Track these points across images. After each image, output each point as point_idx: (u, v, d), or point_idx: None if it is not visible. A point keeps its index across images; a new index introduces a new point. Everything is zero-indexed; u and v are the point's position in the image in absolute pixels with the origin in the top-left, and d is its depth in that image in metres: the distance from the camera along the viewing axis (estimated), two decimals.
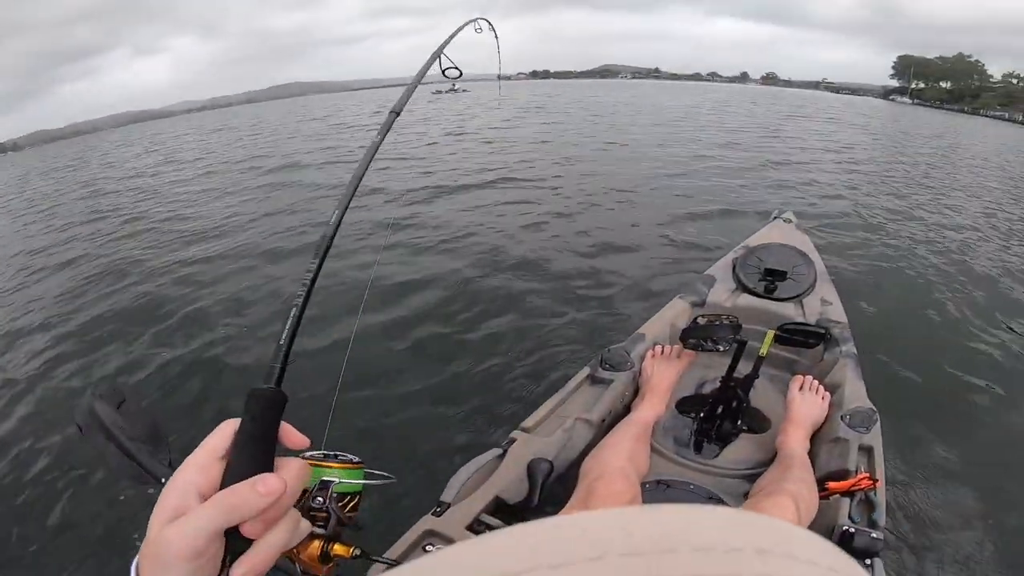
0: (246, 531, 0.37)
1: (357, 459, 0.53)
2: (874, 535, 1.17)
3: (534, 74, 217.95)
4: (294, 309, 0.51)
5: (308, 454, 0.48)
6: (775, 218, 2.76)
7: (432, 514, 1.22)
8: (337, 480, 0.50)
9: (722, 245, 4.06)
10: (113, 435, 0.80)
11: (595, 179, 7.73)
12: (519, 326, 3.32)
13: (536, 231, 5.28)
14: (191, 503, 0.37)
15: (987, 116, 59.06)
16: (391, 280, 4.00)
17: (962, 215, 6.42)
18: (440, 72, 0.99)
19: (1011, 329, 3.40)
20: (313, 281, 0.54)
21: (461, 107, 24.25)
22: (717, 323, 1.68)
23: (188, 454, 0.40)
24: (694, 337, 1.69)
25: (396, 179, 7.88)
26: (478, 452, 1.42)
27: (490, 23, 1.30)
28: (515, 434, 1.49)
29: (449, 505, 1.25)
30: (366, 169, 0.68)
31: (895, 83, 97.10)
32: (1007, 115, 59.91)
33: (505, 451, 1.42)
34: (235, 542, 0.37)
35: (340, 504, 0.51)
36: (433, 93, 43.53)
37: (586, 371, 1.75)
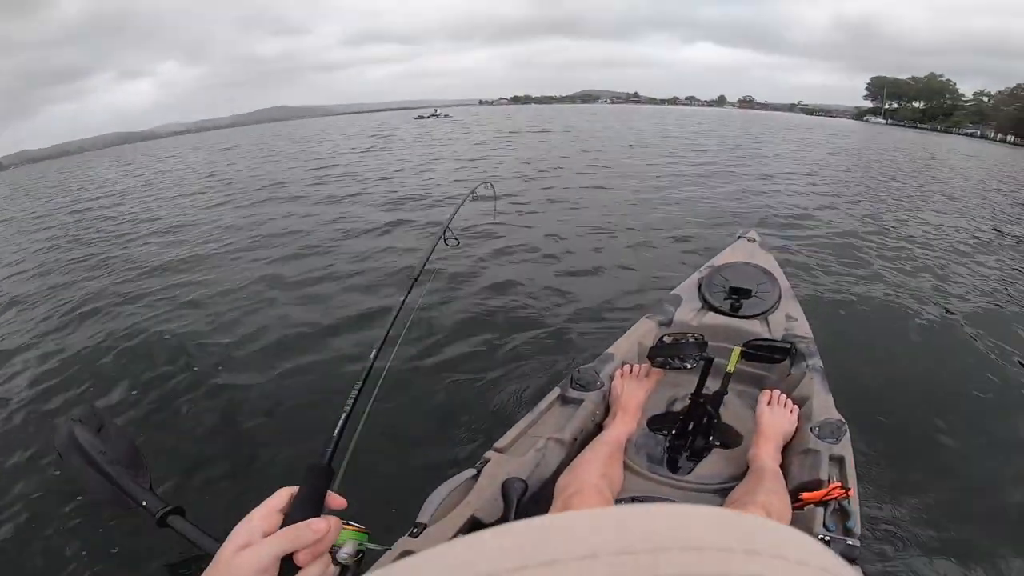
0: (299, 559, 0.50)
1: (362, 527, 0.65)
2: (850, 542, 1.19)
3: (515, 99, 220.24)
4: (347, 405, 0.75)
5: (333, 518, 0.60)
6: (739, 237, 2.82)
7: (409, 535, 1.23)
8: (360, 543, 0.62)
9: (689, 264, 4.16)
10: (93, 459, 0.81)
11: (564, 203, 7.87)
12: (486, 347, 3.33)
13: (505, 253, 5.32)
14: (256, 539, 0.50)
15: (960, 134, 60.62)
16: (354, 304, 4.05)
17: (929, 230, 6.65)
18: (443, 243, 1.44)
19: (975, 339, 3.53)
20: (357, 398, 0.78)
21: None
22: (683, 341, 1.73)
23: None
24: (661, 355, 1.74)
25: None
26: (451, 473, 1.43)
27: (492, 185, 1.81)
28: (488, 454, 1.50)
29: (425, 526, 1.25)
30: (396, 316, 0.96)
31: (869, 104, 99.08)
32: (979, 132, 61.58)
33: (479, 471, 1.43)
34: (287, 569, 0.50)
35: (354, 556, 0.62)
36: (415, 119, 44.13)
37: (557, 391, 1.78)
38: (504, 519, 1.31)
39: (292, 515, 0.54)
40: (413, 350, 3.28)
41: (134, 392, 3.11)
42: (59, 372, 3.44)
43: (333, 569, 0.55)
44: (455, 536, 1.21)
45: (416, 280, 1.12)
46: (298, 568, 0.51)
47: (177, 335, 3.78)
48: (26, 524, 2.13)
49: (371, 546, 0.64)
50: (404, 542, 1.20)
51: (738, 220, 6.32)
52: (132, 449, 0.85)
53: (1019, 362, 3.24)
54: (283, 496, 0.56)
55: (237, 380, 3.14)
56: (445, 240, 1.45)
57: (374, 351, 0.83)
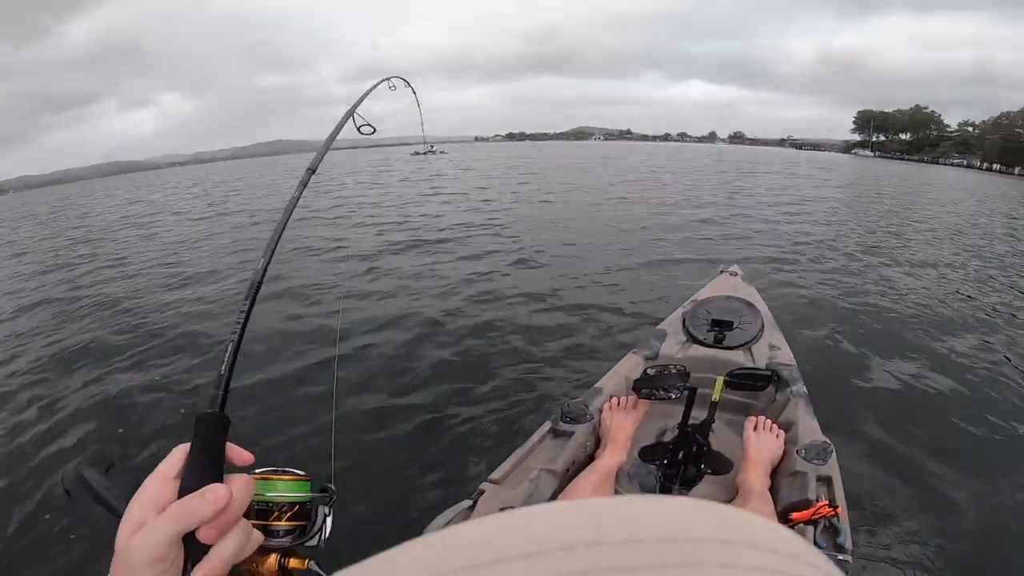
0: (201, 536, 0.42)
1: (302, 472, 0.57)
2: (841, 558, 1.22)
3: (510, 136, 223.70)
4: (230, 344, 0.59)
5: (257, 471, 0.53)
6: (722, 272, 2.90)
7: None
8: (295, 494, 0.55)
9: (672, 298, 4.25)
10: (102, 498, 0.81)
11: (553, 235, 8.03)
12: (477, 383, 3.39)
13: (491, 291, 5.39)
14: (150, 516, 0.42)
15: (946, 164, 61.78)
16: (352, 337, 4.08)
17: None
18: (356, 129, 1.03)
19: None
20: (246, 318, 0.62)
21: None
22: (666, 372, 1.76)
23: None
24: (645, 387, 1.77)
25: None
26: (447, 505, 1.44)
27: (406, 81, 1.30)
28: (483, 486, 1.52)
29: None
30: (288, 218, 0.75)
31: (857, 137, 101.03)
32: (965, 162, 62.79)
33: (475, 503, 1.45)
34: (194, 549, 0.42)
35: (288, 513, 0.55)
36: (412, 155, 44.51)
37: (548, 425, 1.81)
38: None
39: (185, 484, 0.44)
40: (392, 391, 3.35)
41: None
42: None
43: (258, 536, 0.47)
44: None
45: (305, 187, 0.84)
46: (207, 546, 0.43)
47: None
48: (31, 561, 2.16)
49: (320, 495, 0.57)
50: None
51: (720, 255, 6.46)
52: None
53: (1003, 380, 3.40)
54: (177, 458, 0.46)
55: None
56: (358, 128, 1.06)
57: (260, 265, 0.68)
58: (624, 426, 1.76)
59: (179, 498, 0.44)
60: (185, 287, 6.16)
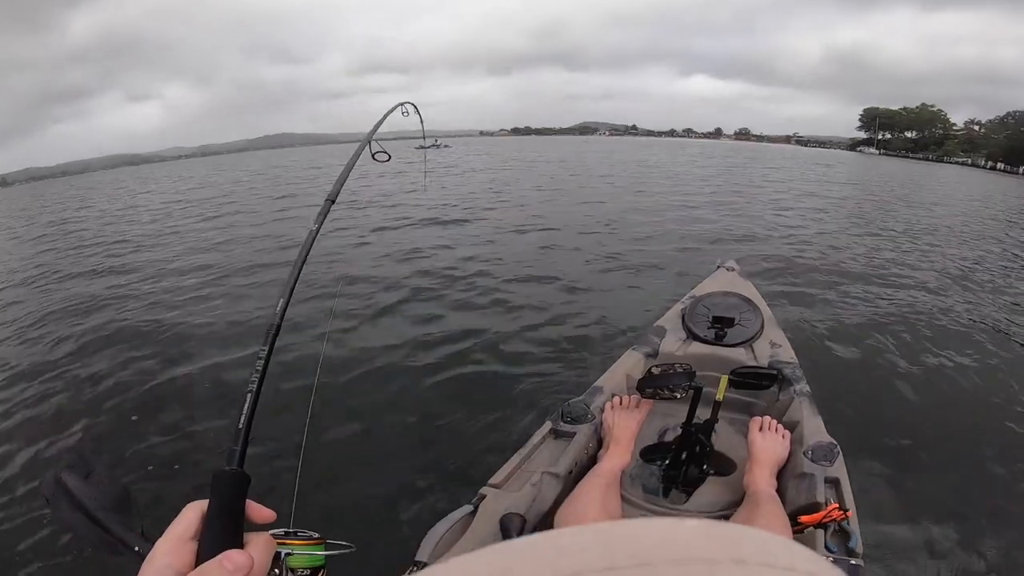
0: None
1: (317, 535, 0.55)
2: (853, 562, 1.20)
3: (516, 131, 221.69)
4: (249, 395, 0.55)
5: (271, 532, 0.50)
6: (719, 267, 2.86)
7: (408, 574, 1.22)
8: (289, 552, 0.52)
9: (669, 293, 4.28)
10: (83, 505, 0.79)
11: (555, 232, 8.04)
12: (473, 383, 3.39)
13: (488, 290, 5.38)
14: None
15: (951, 163, 61.46)
16: (344, 343, 4.04)
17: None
18: (371, 156, 1.04)
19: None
20: (265, 367, 0.59)
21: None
22: (671, 371, 1.74)
23: (163, 524, 0.45)
24: (650, 386, 1.75)
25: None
26: (447, 510, 1.42)
27: (415, 106, 1.40)
28: (484, 490, 1.50)
29: (425, 564, 1.24)
30: (306, 256, 0.72)
31: (862, 135, 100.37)
32: (969, 160, 62.46)
33: (476, 507, 1.42)
34: None
35: None
36: (416, 148, 44.35)
37: (548, 425, 1.78)
38: None
39: (203, 547, 0.43)
40: (382, 383, 3.36)
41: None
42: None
43: None
44: None
45: (328, 211, 0.84)
46: None
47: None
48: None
49: (331, 553, 0.55)
50: None
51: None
52: (122, 493, 0.83)
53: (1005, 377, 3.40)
54: (192, 517, 0.44)
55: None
56: (373, 155, 1.09)
57: (279, 306, 0.65)
58: (628, 426, 1.74)
59: (198, 560, 0.42)
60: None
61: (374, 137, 1.06)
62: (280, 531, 0.54)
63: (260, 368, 0.58)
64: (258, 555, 0.43)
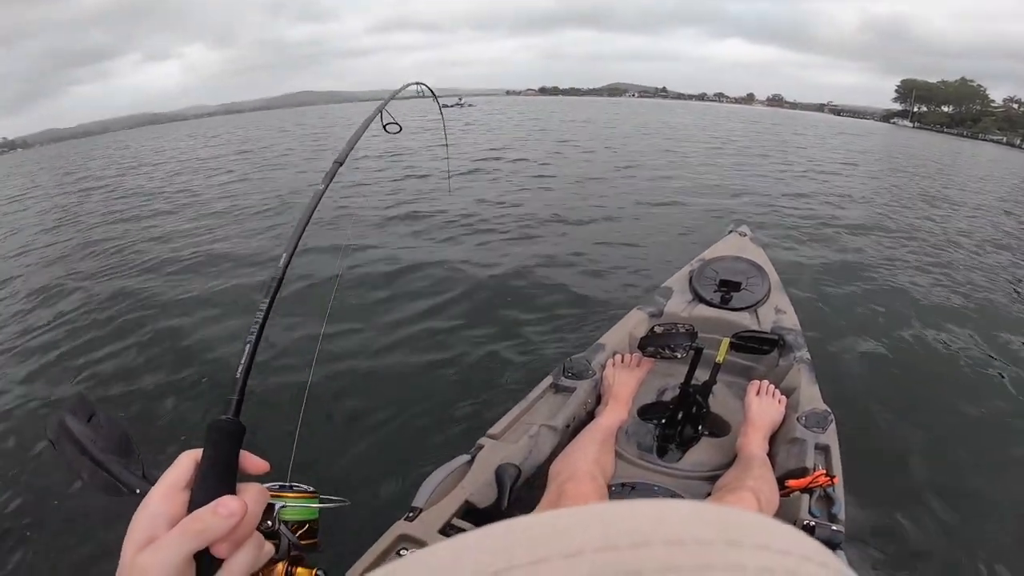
0: (216, 551, 0.40)
1: (311, 488, 0.55)
2: (834, 528, 1.21)
3: (543, 91, 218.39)
4: (248, 345, 0.56)
5: (266, 485, 0.50)
6: (730, 232, 2.85)
7: (404, 519, 1.25)
8: (283, 504, 0.52)
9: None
10: (85, 448, 0.81)
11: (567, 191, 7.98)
12: (479, 337, 3.39)
13: (497, 244, 5.40)
14: (160, 531, 0.40)
15: (985, 140, 59.22)
16: (352, 293, 4.07)
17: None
18: (382, 127, 1.05)
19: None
20: (265, 319, 0.59)
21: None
22: (673, 331, 1.76)
23: (161, 467, 0.46)
24: (652, 345, 1.77)
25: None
26: (446, 459, 1.45)
27: (430, 88, 1.45)
28: (482, 441, 1.53)
29: (421, 510, 1.27)
30: (312, 214, 0.73)
31: (898, 106, 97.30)
32: (1004, 139, 60.10)
33: (473, 457, 1.46)
34: (206, 564, 0.40)
35: (298, 532, 0.53)
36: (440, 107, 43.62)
37: (549, 380, 1.81)
38: (498, 504, 1.35)
39: (196, 495, 0.43)
40: (387, 332, 3.38)
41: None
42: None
43: (270, 547, 0.46)
44: (450, 520, 1.28)
45: (333, 175, 0.83)
46: (220, 560, 0.41)
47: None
48: (21, 514, 2.20)
49: (325, 506, 0.55)
50: (400, 526, 1.22)
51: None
52: (124, 436, 0.85)
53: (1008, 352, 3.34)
54: (186, 465, 0.44)
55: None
56: (384, 126, 1.11)
57: (281, 260, 0.65)
58: (627, 384, 1.76)
59: (190, 509, 0.42)
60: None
61: (385, 107, 1.07)
62: (275, 484, 0.54)
63: (260, 320, 0.58)
64: (251, 504, 0.43)
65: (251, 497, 0.44)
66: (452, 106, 44.38)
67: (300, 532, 0.53)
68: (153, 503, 0.41)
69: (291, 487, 0.54)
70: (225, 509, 0.40)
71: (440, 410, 2.62)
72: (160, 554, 0.38)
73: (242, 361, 0.55)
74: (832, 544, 1.18)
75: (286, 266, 0.66)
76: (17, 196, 12.86)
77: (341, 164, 0.85)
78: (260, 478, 0.49)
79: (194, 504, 0.42)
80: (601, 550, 0.14)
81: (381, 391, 2.82)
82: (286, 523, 0.52)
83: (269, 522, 0.50)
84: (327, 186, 0.79)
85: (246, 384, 0.54)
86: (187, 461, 0.45)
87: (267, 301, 0.61)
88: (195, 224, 6.99)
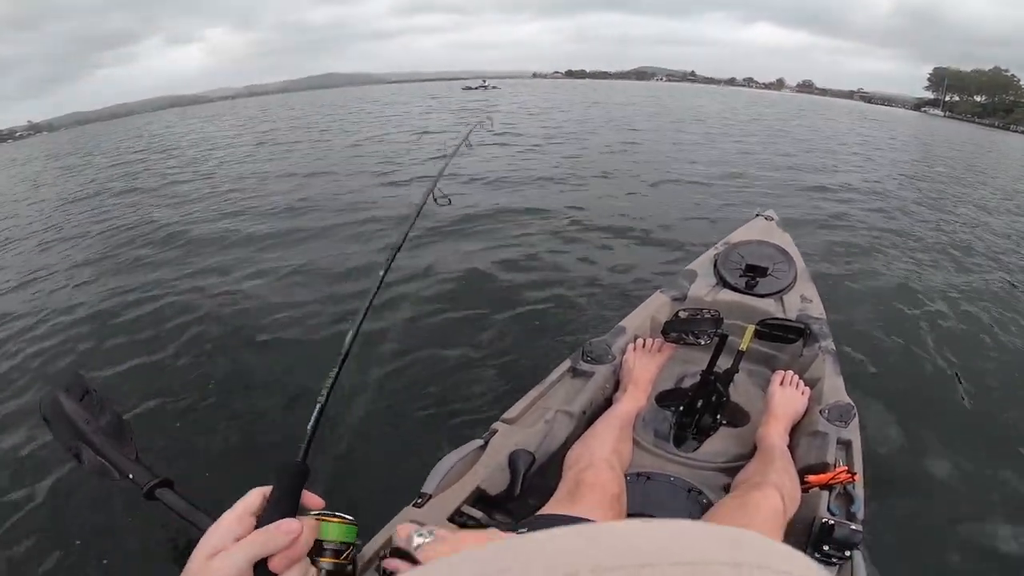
0: (272, 565, 0.48)
1: (351, 517, 0.60)
2: (853, 527, 1.17)
3: (569, 73, 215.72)
4: (318, 404, 0.67)
5: (314, 512, 0.57)
6: (757, 216, 2.77)
7: (413, 505, 1.22)
8: (326, 520, 0.57)
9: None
10: (79, 428, 0.80)
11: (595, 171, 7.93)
12: (499, 318, 3.33)
13: (521, 228, 5.30)
14: (228, 544, 0.48)
15: (1018, 131, 57.33)
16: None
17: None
18: (434, 201, 1.22)
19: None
20: (332, 385, 0.71)
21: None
22: (699, 316, 1.72)
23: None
24: (676, 330, 1.73)
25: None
26: (459, 444, 1.42)
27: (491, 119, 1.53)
28: (496, 425, 1.48)
29: (430, 496, 1.24)
30: (372, 302, 0.86)
31: (930, 95, 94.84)
32: None
33: (486, 442, 1.41)
34: (261, 574, 0.48)
35: (340, 554, 0.57)
36: (463, 89, 43.81)
37: (567, 363, 1.76)
38: (510, 491, 1.32)
39: (264, 518, 0.52)
40: (408, 317, 3.32)
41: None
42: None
43: (314, 572, 0.53)
44: (460, 507, 1.25)
45: (399, 249, 0.99)
46: (274, 574, 0.49)
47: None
48: (14, 496, 2.17)
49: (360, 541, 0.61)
50: (408, 512, 1.20)
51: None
52: (117, 419, 0.83)
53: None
54: (255, 498, 0.54)
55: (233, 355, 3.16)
56: (435, 199, 1.27)
57: (349, 336, 0.75)
58: (647, 369, 1.73)
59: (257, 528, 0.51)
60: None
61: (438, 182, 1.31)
62: (322, 512, 0.60)
63: (329, 385, 0.71)
64: (306, 530, 0.51)
65: (307, 525, 0.52)
66: (476, 88, 44.18)
67: (337, 560, 0.57)
68: (226, 523, 0.50)
69: (334, 515, 0.61)
70: (286, 527, 0.50)
71: (453, 394, 2.59)
72: (228, 559, 0.46)
73: (314, 411, 0.67)
74: (851, 544, 1.14)
75: (352, 341, 0.81)
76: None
77: (399, 249, 1.02)
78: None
79: (260, 526, 0.51)
80: (604, 570, 0.14)
81: (399, 376, 2.79)
82: (327, 541, 0.57)
83: (330, 549, 0.57)
84: (386, 271, 0.92)
85: (315, 435, 0.67)
86: (257, 494, 0.54)
87: (335, 372, 0.74)
88: None
